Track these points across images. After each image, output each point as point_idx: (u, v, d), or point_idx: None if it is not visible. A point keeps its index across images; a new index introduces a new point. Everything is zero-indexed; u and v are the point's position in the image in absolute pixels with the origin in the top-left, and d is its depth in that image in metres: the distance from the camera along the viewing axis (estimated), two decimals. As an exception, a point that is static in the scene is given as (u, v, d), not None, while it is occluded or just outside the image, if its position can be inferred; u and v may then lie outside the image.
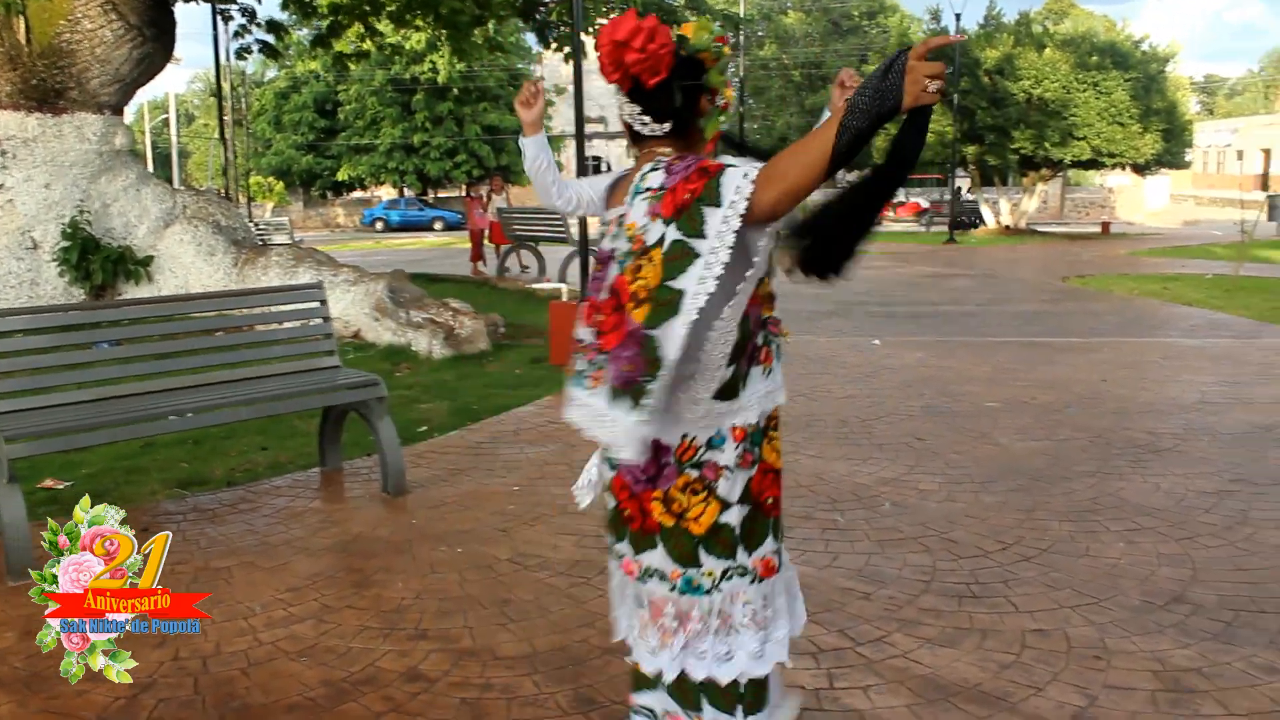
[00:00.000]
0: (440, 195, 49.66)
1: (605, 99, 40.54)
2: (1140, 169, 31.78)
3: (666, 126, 2.35)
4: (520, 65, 46.66)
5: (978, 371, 8.54)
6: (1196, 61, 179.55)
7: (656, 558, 2.32)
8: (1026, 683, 3.29)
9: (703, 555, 2.28)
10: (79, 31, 10.82)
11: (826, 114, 2.45)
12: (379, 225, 44.81)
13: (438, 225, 43.79)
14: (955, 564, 4.30)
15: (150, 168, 44.84)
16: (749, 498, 2.30)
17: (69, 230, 10.63)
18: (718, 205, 2.04)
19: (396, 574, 4.32)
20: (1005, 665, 3.42)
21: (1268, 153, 56.14)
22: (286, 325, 5.94)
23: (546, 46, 17.33)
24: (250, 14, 16.69)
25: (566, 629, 3.76)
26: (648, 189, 2.18)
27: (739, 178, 2.04)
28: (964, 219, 34.77)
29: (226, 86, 25.84)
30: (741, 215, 2.03)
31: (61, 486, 5.58)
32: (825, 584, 4.09)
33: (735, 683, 2.36)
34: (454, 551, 4.57)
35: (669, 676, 2.37)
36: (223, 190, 23.93)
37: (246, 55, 19.61)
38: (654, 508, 2.27)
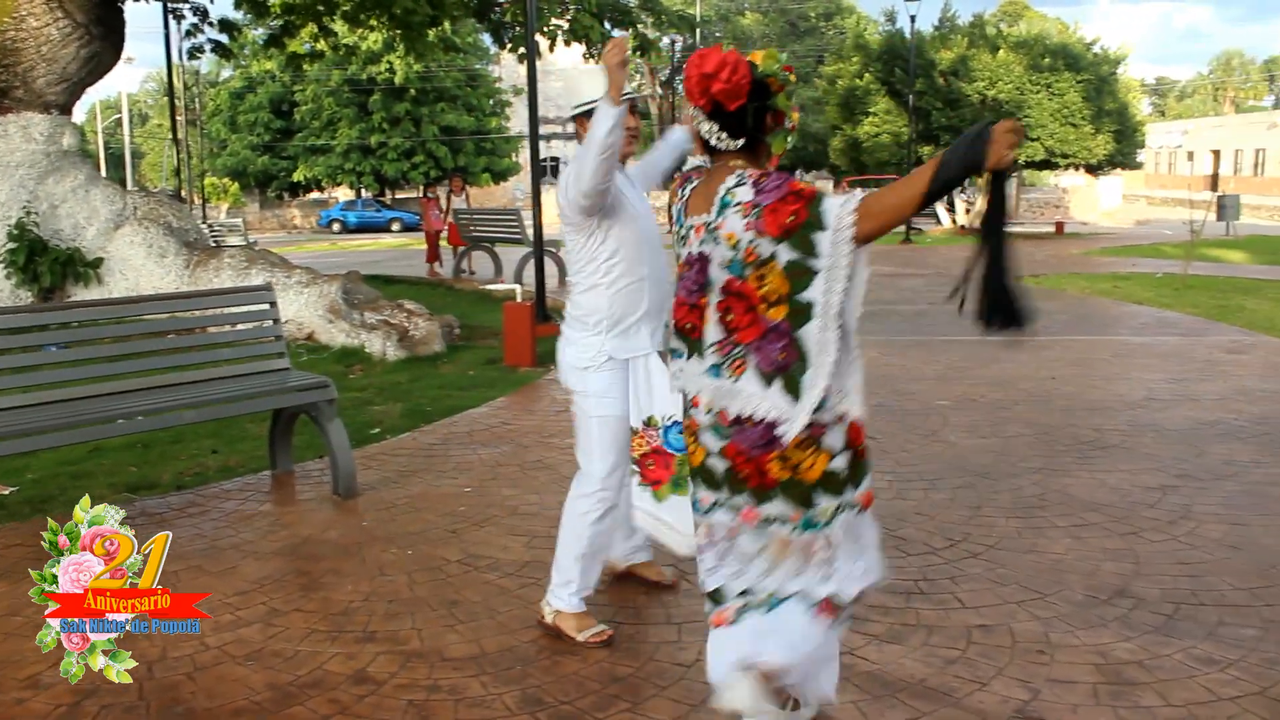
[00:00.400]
0: (398, 196, 49.32)
1: (561, 99, 40.49)
2: (1093, 169, 32.10)
3: (740, 142, 2.69)
4: (478, 66, 46.51)
5: (929, 370, 8.62)
6: (1147, 64, 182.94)
7: (776, 507, 2.65)
8: (971, 678, 3.34)
9: (818, 497, 2.62)
10: (24, 29, 10.64)
11: None
12: (336, 226, 44.40)
13: (395, 226, 43.46)
14: (904, 561, 4.33)
15: (103, 168, 44.33)
16: (849, 445, 2.65)
17: (15, 232, 10.46)
18: (824, 229, 2.48)
19: (345, 576, 4.30)
20: (950, 661, 3.46)
21: (1217, 154, 57.19)
22: (240, 327, 5.90)
23: (502, 47, 17.24)
24: (202, 13, 16.54)
25: (514, 630, 3.76)
26: (739, 203, 2.57)
27: (837, 207, 2.49)
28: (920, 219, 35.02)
29: (179, 86, 25.51)
30: (850, 241, 2.48)
31: (7, 492, 5.50)
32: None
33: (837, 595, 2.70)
34: (404, 553, 4.55)
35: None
36: (177, 191, 23.60)
37: (199, 55, 19.45)
38: (771, 467, 2.62)
